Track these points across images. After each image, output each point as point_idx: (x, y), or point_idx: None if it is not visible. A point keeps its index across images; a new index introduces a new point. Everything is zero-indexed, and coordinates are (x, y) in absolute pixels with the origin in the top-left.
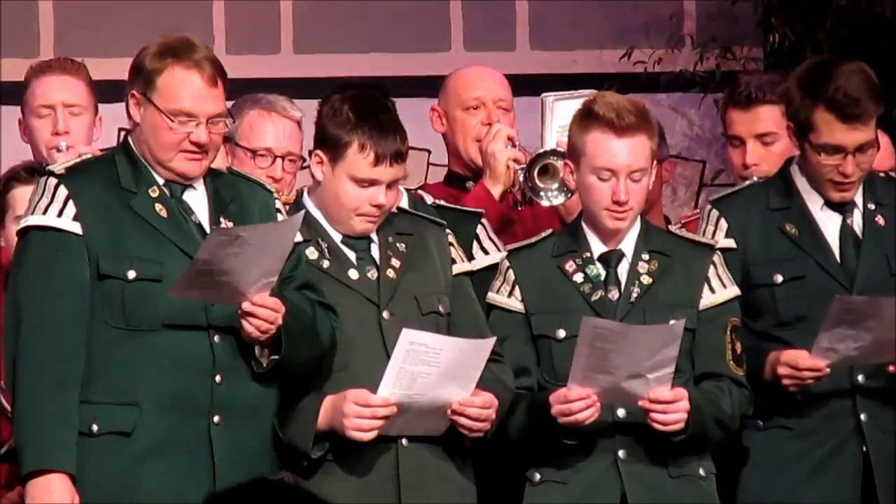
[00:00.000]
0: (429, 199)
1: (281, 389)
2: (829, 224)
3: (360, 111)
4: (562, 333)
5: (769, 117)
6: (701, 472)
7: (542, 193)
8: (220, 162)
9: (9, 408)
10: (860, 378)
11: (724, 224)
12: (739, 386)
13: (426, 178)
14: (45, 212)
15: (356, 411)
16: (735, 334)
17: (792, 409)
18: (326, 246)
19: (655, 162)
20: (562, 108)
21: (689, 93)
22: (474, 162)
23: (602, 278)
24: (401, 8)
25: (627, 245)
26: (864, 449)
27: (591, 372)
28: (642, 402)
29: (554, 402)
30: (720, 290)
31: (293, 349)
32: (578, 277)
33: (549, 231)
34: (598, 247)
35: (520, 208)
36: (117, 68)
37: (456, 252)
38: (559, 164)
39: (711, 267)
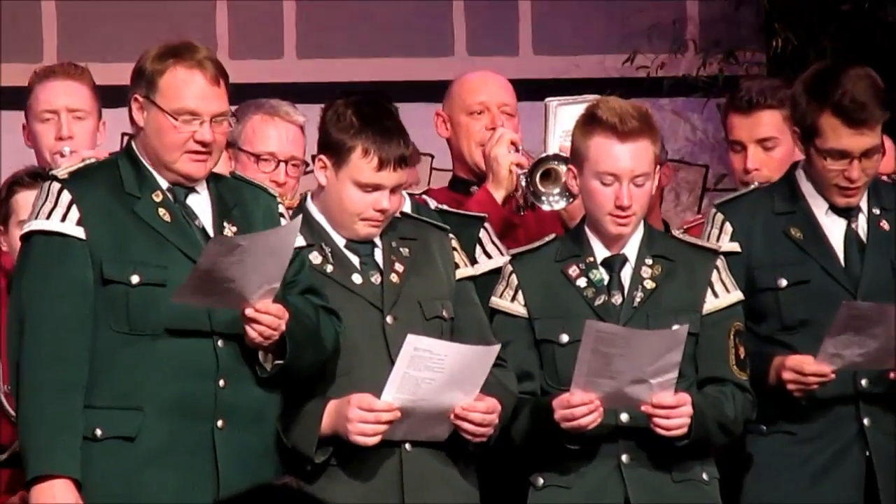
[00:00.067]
0: (432, 204)
1: (284, 394)
2: (834, 228)
3: (364, 116)
4: (565, 338)
5: (770, 122)
6: (704, 476)
7: (543, 198)
8: (223, 167)
9: (13, 412)
10: (863, 383)
11: (728, 227)
12: (743, 390)
13: (429, 183)
14: (48, 216)
15: (360, 416)
16: (738, 339)
17: (795, 413)
18: (330, 250)
19: (658, 167)
20: (565, 113)
21: (692, 97)
22: (479, 166)
23: (605, 283)
24: (404, 13)
25: (631, 250)
26: (867, 453)
27: (594, 377)
28: (645, 407)
29: (557, 407)
30: (723, 294)
31: (297, 354)
32: (582, 282)
33: (553, 236)
34: (601, 251)
35: (522, 213)
36: (120, 73)
37: (459, 257)
38: (561, 168)
39: (715, 271)
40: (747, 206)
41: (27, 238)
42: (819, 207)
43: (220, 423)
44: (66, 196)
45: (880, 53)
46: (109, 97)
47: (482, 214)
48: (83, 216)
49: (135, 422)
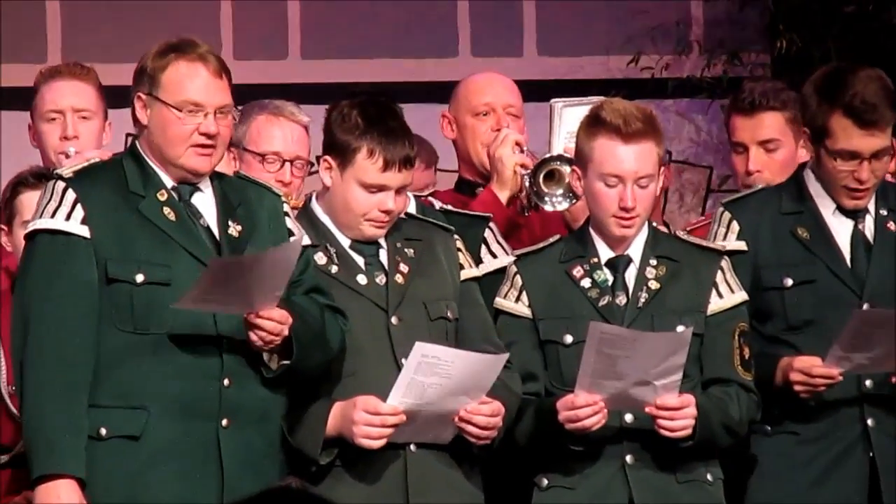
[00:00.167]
0: (437, 205)
1: (289, 393)
2: (841, 229)
3: (369, 117)
4: (569, 339)
5: (772, 124)
6: (708, 477)
7: (546, 198)
8: (227, 168)
9: (17, 412)
10: (868, 384)
11: (735, 226)
12: (747, 391)
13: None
14: (53, 215)
15: (366, 419)
16: (743, 339)
17: (799, 414)
18: (335, 251)
19: (663, 168)
20: (570, 115)
21: (697, 99)
22: (485, 167)
23: (610, 284)
24: (408, 14)
25: (635, 250)
26: (871, 454)
27: (598, 378)
28: (649, 409)
29: (561, 409)
30: (728, 295)
31: (303, 355)
32: (586, 283)
33: (557, 237)
34: (605, 252)
35: (526, 214)
36: (124, 74)
37: (464, 257)
38: (565, 169)
39: (719, 272)
40: (755, 205)
41: (31, 237)
42: (826, 208)
43: (224, 422)
44: (71, 195)
45: (884, 55)
46: (113, 98)
47: (487, 214)
48: (88, 215)
49: (139, 421)
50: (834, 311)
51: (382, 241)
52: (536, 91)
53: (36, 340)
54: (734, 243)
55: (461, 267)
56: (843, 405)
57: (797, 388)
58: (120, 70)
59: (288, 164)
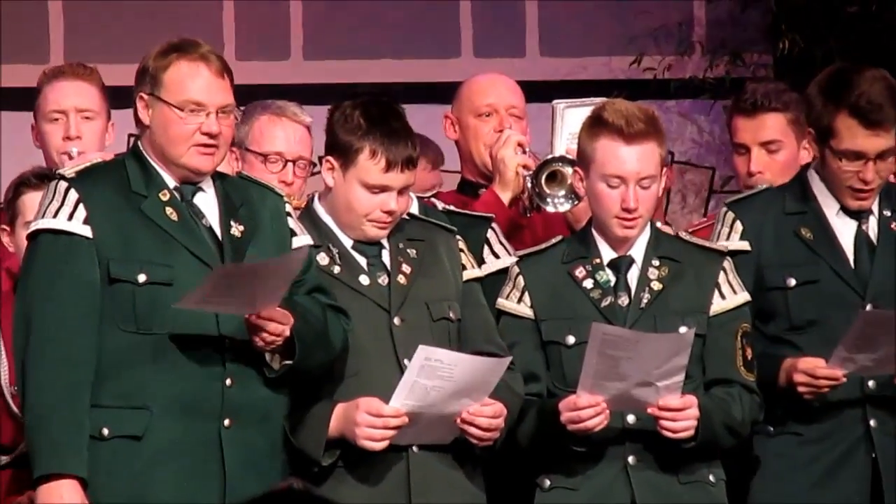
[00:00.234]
0: (439, 205)
1: (292, 393)
2: (845, 230)
3: (372, 117)
4: (571, 340)
5: (774, 125)
6: (711, 478)
7: (548, 200)
8: (229, 169)
9: (19, 412)
10: (871, 385)
11: (739, 226)
12: (750, 392)
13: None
14: (55, 215)
15: (368, 421)
16: (746, 340)
17: (802, 415)
18: (337, 251)
19: (665, 169)
20: (572, 116)
21: (699, 99)
22: (487, 168)
23: (612, 284)
24: (411, 14)
25: (637, 251)
26: (873, 455)
27: (600, 379)
28: (651, 410)
29: (563, 410)
30: (730, 295)
31: (306, 354)
32: (588, 283)
33: (559, 237)
34: (608, 253)
35: (528, 215)
36: (126, 74)
37: (466, 258)
38: (566, 170)
39: (722, 273)
40: (758, 205)
41: (34, 237)
42: (830, 208)
43: (226, 422)
44: (73, 195)
45: (887, 55)
46: (115, 98)
47: (490, 215)
48: (90, 215)
49: (142, 421)
50: (837, 311)
51: (385, 242)
52: (539, 91)
53: (38, 340)
54: (738, 243)
55: (463, 267)
56: (846, 406)
57: (801, 389)
58: (122, 70)
59: (290, 164)
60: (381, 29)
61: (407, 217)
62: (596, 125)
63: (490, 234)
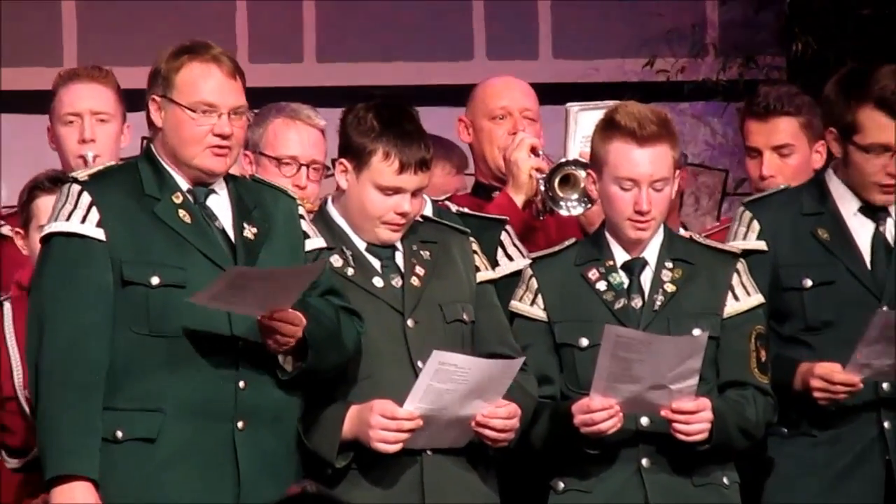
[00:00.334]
0: (453, 208)
1: (305, 395)
2: (862, 231)
3: (385, 119)
4: (584, 342)
5: (786, 129)
6: (724, 480)
7: (561, 203)
8: (239, 171)
9: (32, 415)
10: (885, 387)
11: (756, 226)
12: (764, 394)
13: None
14: (68, 218)
15: (382, 423)
16: (760, 342)
17: (816, 417)
18: (351, 254)
19: (678, 171)
20: (586, 119)
21: (712, 102)
22: (501, 171)
23: (625, 286)
24: (424, 17)
25: (651, 253)
26: (887, 458)
27: (613, 382)
28: (665, 412)
29: (576, 412)
30: (744, 297)
31: (319, 356)
32: (601, 286)
33: (573, 240)
34: (621, 255)
35: (542, 217)
36: (140, 77)
37: (480, 260)
38: (580, 173)
39: (735, 275)
40: (776, 205)
41: (47, 240)
42: (848, 209)
43: (240, 424)
44: (86, 198)
45: None
46: (128, 101)
47: (504, 217)
48: (103, 218)
49: (155, 423)
50: (853, 312)
51: (398, 244)
52: (551, 94)
53: (51, 343)
54: (754, 243)
55: (477, 269)
56: (860, 408)
57: (817, 394)
58: (135, 73)
59: (304, 167)
60: (394, 31)
61: (420, 219)
62: (609, 128)
63: (504, 236)
